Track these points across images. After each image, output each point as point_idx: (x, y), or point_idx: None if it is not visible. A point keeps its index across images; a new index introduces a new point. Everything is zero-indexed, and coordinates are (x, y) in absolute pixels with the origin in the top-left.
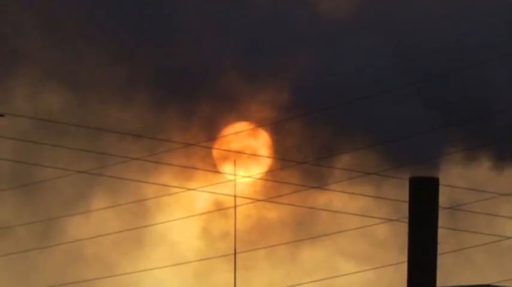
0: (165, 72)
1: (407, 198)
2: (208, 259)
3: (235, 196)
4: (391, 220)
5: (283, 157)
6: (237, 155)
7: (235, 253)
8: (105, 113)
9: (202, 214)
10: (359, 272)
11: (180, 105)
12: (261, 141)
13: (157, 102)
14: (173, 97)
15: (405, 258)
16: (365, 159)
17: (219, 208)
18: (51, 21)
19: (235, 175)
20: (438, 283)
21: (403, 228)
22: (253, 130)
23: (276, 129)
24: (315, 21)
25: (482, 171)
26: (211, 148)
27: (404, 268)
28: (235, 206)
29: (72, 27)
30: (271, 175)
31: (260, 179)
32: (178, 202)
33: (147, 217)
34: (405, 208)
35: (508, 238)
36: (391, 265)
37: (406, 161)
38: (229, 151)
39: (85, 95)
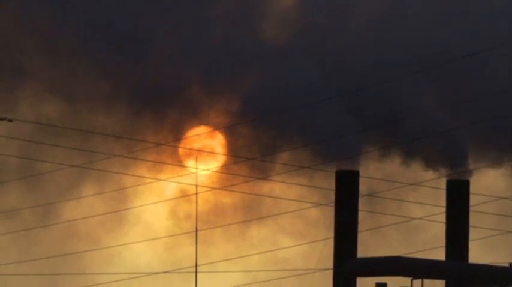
0: (141, 86)
1: (334, 187)
2: (175, 235)
3: (196, 185)
4: (321, 205)
5: (235, 154)
6: (198, 153)
7: (196, 231)
8: (93, 118)
9: (170, 199)
10: (295, 246)
11: (153, 112)
12: (217, 142)
13: (134, 110)
14: (147, 106)
15: (332, 235)
16: (300, 156)
17: (184, 195)
18: (50, 45)
19: (196, 168)
20: (358, 255)
21: (331, 211)
22: (211, 133)
23: (229, 132)
24: (260, 45)
25: (393, 165)
26: (177, 146)
27: (331, 242)
28: (196, 193)
29: (67, 50)
30: (226, 168)
31: (217, 171)
32: (151, 190)
33: (126, 202)
34: (332, 195)
35: (414, 218)
36: (321, 240)
37: (333, 158)
38: (191, 149)
39: (77, 105)
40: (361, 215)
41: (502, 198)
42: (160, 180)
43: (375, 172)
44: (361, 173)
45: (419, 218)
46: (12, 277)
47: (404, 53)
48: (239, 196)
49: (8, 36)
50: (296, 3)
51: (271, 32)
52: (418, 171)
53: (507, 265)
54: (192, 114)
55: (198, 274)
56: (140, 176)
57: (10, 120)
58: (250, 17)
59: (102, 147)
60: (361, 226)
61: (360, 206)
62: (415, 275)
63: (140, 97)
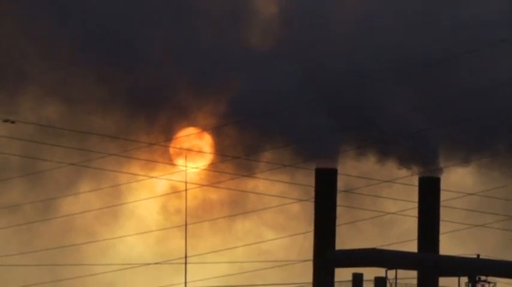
0: (135, 90)
1: (313, 184)
2: (165, 229)
3: (186, 182)
4: (301, 200)
5: (222, 153)
6: (187, 152)
7: (186, 225)
8: (90, 120)
9: (161, 195)
10: (278, 238)
11: (146, 115)
12: (205, 142)
13: (128, 113)
14: (140, 109)
15: (312, 228)
16: (283, 155)
17: (174, 191)
18: (49, 51)
19: (186, 166)
20: (336, 247)
21: (311, 206)
22: (200, 133)
23: (216, 133)
24: (245, 52)
25: (369, 164)
26: (168, 146)
27: (311, 236)
28: (186, 190)
29: (65, 56)
30: (213, 167)
31: (205, 169)
32: (143, 186)
33: (120, 197)
34: (312, 191)
35: (388, 213)
36: (301, 233)
37: (313, 156)
38: (181, 148)
39: (75, 107)
40: (339, 210)
41: (470, 194)
42: (152, 177)
43: (352, 170)
44: (339, 171)
45: (393, 213)
46: (15, 268)
47: (379, 59)
48: (225, 192)
49: (10, 43)
50: (279, 13)
51: (255, 39)
52: (392, 169)
53: (475, 256)
54: (182, 117)
55: (188, 265)
56: (133, 174)
57: (13, 122)
58: (237, 26)
59: (98, 147)
60: (339, 220)
61: (338, 201)
62: (389, 266)
63: (134, 100)
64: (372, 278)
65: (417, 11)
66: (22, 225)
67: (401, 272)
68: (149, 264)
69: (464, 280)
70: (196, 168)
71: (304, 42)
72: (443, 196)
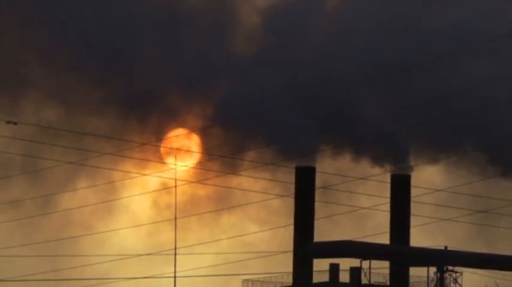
0: (128, 94)
1: (293, 180)
2: (157, 222)
3: (175, 179)
4: (282, 196)
5: (208, 153)
6: (177, 151)
7: (175, 219)
8: (87, 122)
9: (153, 191)
10: (260, 231)
11: (138, 116)
12: (194, 142)
13: (122, 115)
14: (133, 111)
15: (292, 222)
16: (265, 154)
17: (164, 188)
18: (49, 58)
19: (175, 164)
20: (314, 239)
21: (291, 201)
22: (188, 134)
23: (204, 134)
24: (230, 58)
25: (345, 162)
26: (159, 146)
27: (291, 229)
28: (175, 186)
29: (64, 62)
30: (201, 165)
31: (193, 167)
32: (136, 183)
33: (115, 193)
34: (292, 187)
35: (363, 208)
36: (282, 226)
37: (293, 156)
38: (171, 148)
39: (73, 110)
40: (317, 205)
41: (438, 190)
42: (145, 175)
43: (329, 167)
44: (317, 169)
45: (367, 208)
46: (17, 258)
47: (355, 65)
48: (212, 189)
49: (12, 51)
50: (261, 22)
51: (239, 47)
52: (366, 167)
53: (443, 248)
54: (172, 119)
55: (177, 256)
56: (127, 172)
57: (15, 123)
58: (222, 35)
59: (94, 146)
60: (317, 215)
61: (316, 197)
62: (363, 257)
63: (127, 104)
64: (348, 268)
65: (389, 21)
66: (23, 219)
67: (375, 263)
68: (141, 255)
69: (433, 269)
70: (185, 166)
71: (285, 49)
72: (414, 192)
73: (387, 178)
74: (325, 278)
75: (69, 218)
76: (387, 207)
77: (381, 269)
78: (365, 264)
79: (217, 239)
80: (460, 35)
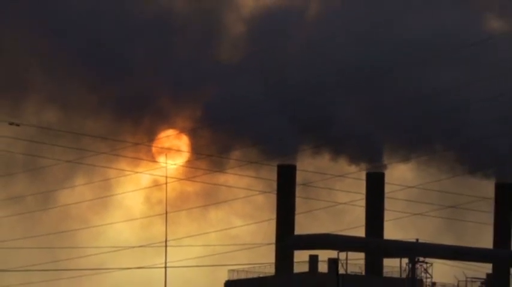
0: (122, 98)
1: (276, 178)
2: (149, 217)
3: (166, 177)
4: (265, 192)
5: (197, 152)
6: (167, 151)
7: (166, 213)
8: (84, 123)
9: (145, 188)
10: (245, 225)
11: (132, 118)
12: (183, 142)
13: (117, 117)
14: (127, 113)
15: (274, 216)
16: (250, 153)
17: (156, 185)
18: (49, 64)
19: (166, 163)
20: (295, 232)
21: (273, 197)
22: (178, 135)
23: (193, 134)
24: (217, 64)
25: (324, 161)
26: (151, 146)
27: (274, 223)
28: (166, 183)
29: (63, 68)
30: (190, 163)
31: (182, 166)
32: (130, 180)
33: (110, 190)
34: (275, 184)
35: (340, 203)
36: (265, 220)
37: (275, 155)
38: (162, 148)
39: (71, 112)
40: (297, 201)
41: (409, 187)
42: (137, 173)
43: (308, 166)
44: (298, 167)
45: (344, 203)
46: (19, 250)
47: (334, 70)
48: (200, 185)
49: (14, 56)
50: (246, 31)
51: (226, 54)
52: (343, 165)
53: (414, 240)
54: (163, 121)
55: (168, 248)
56: (121, 170)
57: (17, 125)
58: (209, 43)
59: (91, 146)
60: (297, 209)
61: (297, 193)
62: (341, 249)
63: (121, 106)
64: (326, 259)
65: (365, 31)
66: (25, 213)
67: (351, 254)
68: (134, 247)
69: (405, 260)
70: (175, 164)
71: (268, 56)
72: (387, 188)
73: (363, 175)
74: (305, 268)
75: (67, 213)
76: (363, 203)
77: (357, 260)
78: (342, 255)
79: (205, 232)
80: (432, 43)
